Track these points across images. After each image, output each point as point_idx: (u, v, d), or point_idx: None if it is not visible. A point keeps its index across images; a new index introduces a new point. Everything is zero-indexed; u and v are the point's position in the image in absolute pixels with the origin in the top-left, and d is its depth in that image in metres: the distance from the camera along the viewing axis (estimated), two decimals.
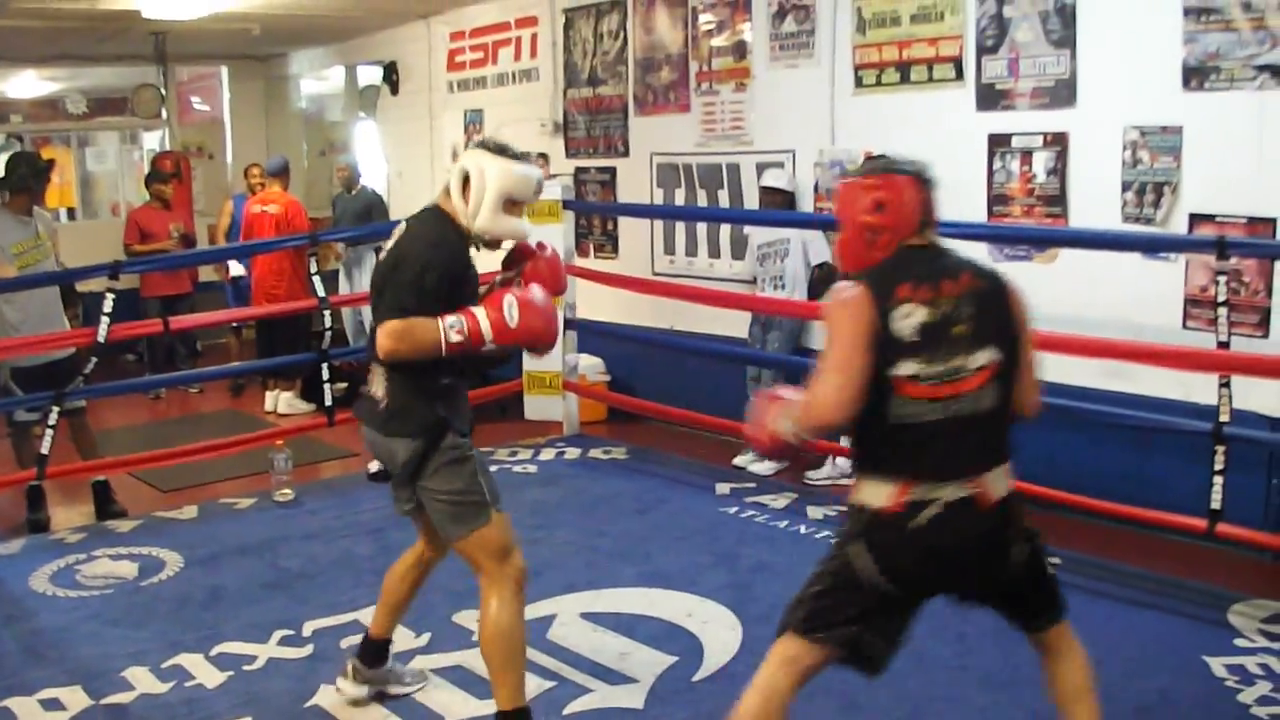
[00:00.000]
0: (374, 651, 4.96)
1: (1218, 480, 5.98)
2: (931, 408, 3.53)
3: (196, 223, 14.02)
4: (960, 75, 7.72)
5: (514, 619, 4.39)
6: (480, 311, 4.29)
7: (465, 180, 4.42)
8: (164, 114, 15.05)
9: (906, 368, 3.52)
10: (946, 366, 3.54)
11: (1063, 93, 7.22)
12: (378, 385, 4.48)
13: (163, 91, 14.76)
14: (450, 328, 4.23)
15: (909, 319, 3.55)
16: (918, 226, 3.76)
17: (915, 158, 3.96)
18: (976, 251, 7.51)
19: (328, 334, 8.53)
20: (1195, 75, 6.64)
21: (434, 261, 4.32)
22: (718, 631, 5.61)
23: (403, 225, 4.54)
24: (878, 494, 3.59)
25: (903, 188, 3.80)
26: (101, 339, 7.46)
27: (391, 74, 13.33)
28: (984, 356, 3.59)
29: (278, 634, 5.73)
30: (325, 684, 5.15)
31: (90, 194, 17.33)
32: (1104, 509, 6.40)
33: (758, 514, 7.47)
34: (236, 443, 8.36)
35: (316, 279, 8.53)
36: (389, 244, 4.50)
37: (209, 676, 5.31)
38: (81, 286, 9.19)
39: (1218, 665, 5.21)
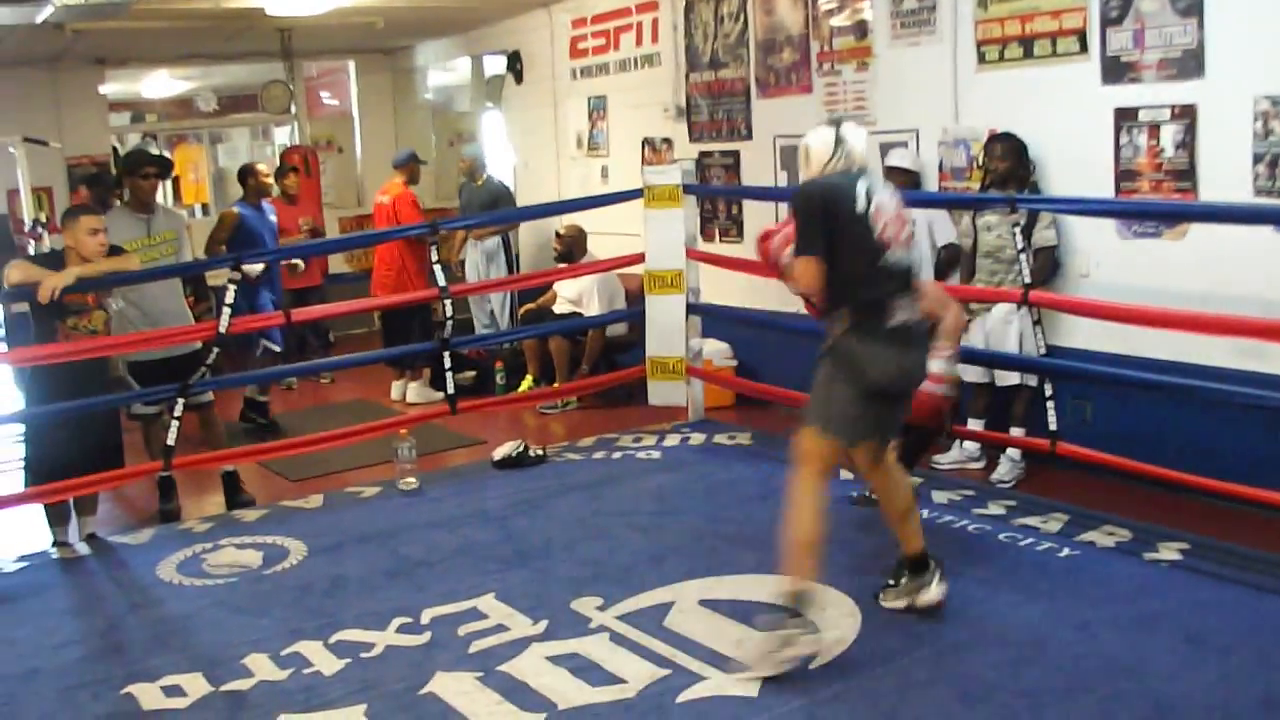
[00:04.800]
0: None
1: None
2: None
3: (326, 215, 14.19)
4: (1084, 48, 7.53)
5: None
6: None
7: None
8: (292, 109, 15.20)
9: None
10: None
11: (1190, 63, 7.02)
12: (911, 309, 5.31)
13: (290, 87, 14.89)
14: None
15: None
16: None
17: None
18: (1105, 227, 7.41)
19: (449, 323, 8.49)
20: None
21: None
22: (835, 618, 5.52)
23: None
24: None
25: None
26: (223, 330, 7.51)
27: (515, 63, 13.33)
28: None
29: (396, 621, 5.74)
30: (440, 671, 5.17)
31: (223, 190, 17.56)
32: (1232, 491, 6.18)
33: None
34: (359, 431, 8.38)
35: (437, 268, 8.50)
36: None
37: (326, 664, 5.34)
38: (214, 280, 9.30)
39: None
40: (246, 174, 10.70)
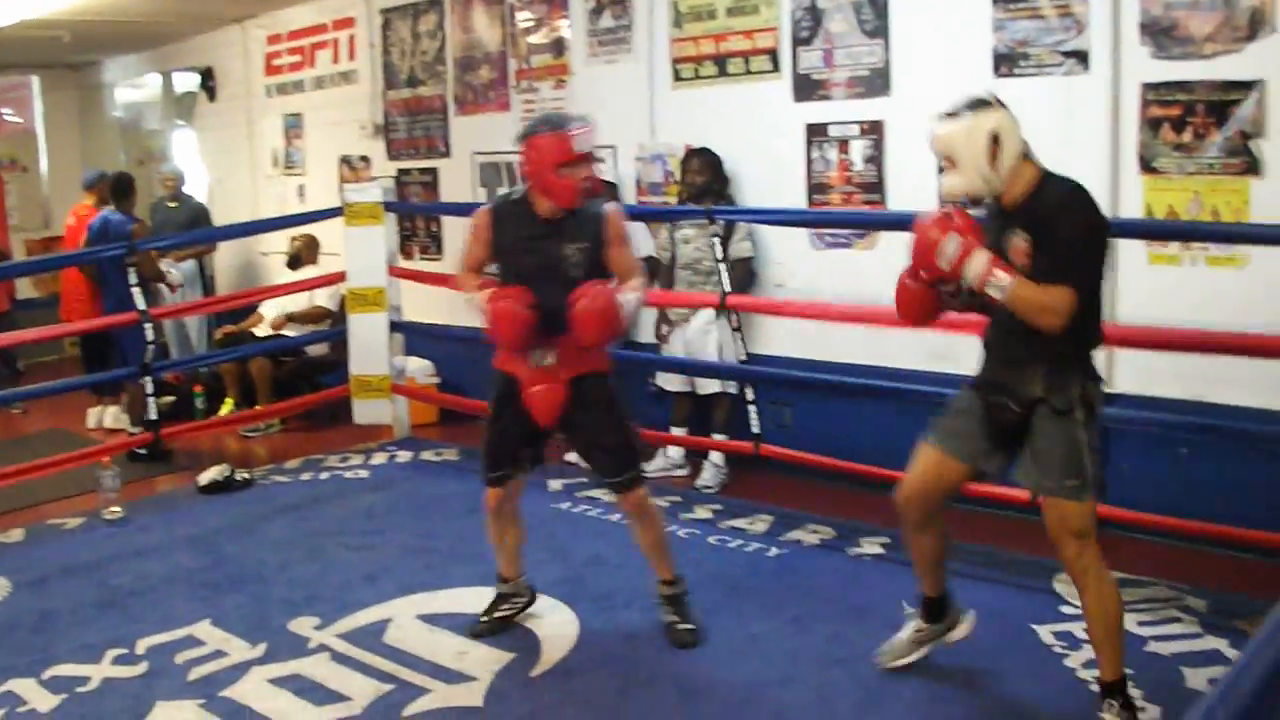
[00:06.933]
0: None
1: None
2: None
3: (12, 238, 13.75)
4: (777, 67, 7.82)
5: None
6: None
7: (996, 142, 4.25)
8: None
9: None
10: None
11: (877, 82, 7.35)
12: None
13: None
14: None
15: None
16: None
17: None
18: (799, 238, 7.67)
19: (150, 347, 8.35)
20: (1005, 61, 6.80)
21: None
22: (554, 626, 5.64)
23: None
24: None
25: None
26: None
27: (208, 80, 13.15)
28: None
29: (111, 653, 5.60)
30: (160, 701, 5.07)
31: None
32: None
33: (590, 508, 7.48)
34: (60, 461, 8.14)
35: (136, 290, 8.34)
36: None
37: (42, 700, 5.17)
38: None
39: (1045, 633, 5.36)
40: (131, 183, 10.37)
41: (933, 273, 4.39)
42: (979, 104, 4.33)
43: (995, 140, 4.23)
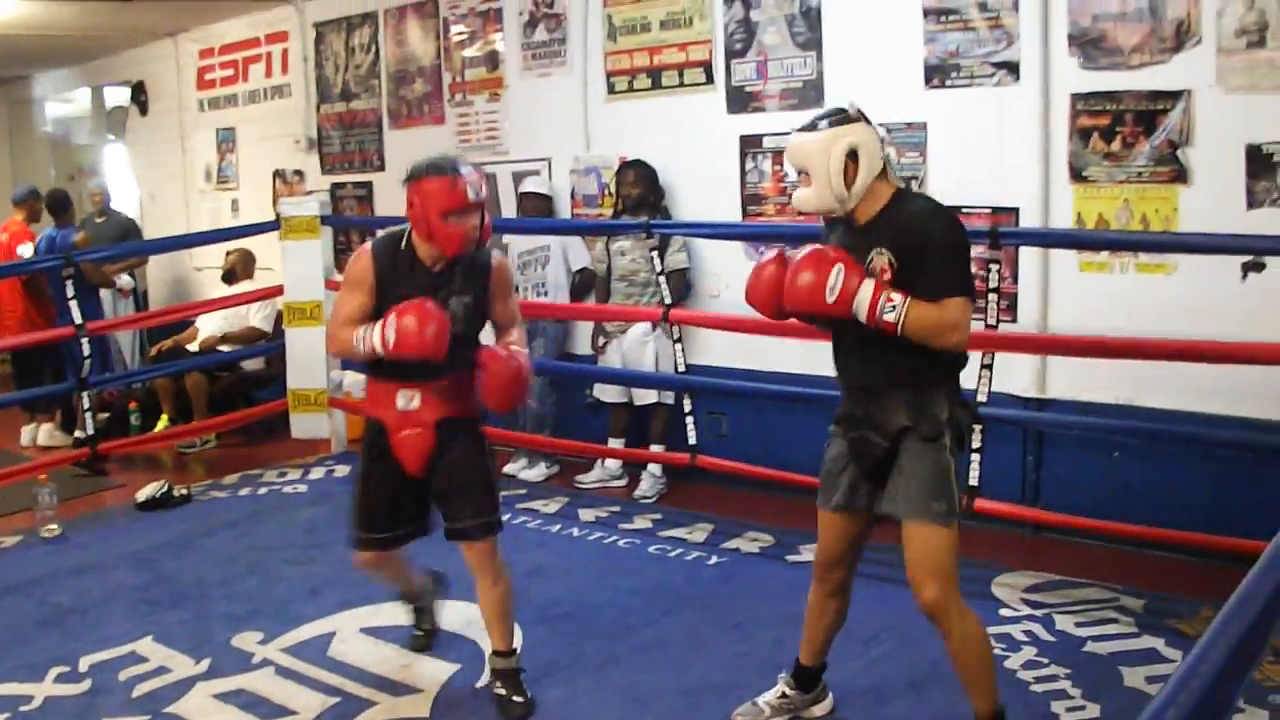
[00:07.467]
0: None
1: (975, 458, 6.21)
2: None
3: None
4: (710, 79, 7.88)
5: None
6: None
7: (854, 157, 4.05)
8: None
9: None
10: None
11: (811, 93, 7.43)
12: None
13: None
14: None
15: None
16: None
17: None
18: (734, 249, 7.72)
19: (86, 362, 8.29)
20: (937, 73, 6.91)
21: None
22: None
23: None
24: None
25: None
26: None
27: (140, 94, 13.08)
28: None
29: (53, 672, 5.55)
30: (106, 718, 5.04)
31: None
32: None
33: (530, 519, 7.55)
34: None
35: (73, 303, 8.27)
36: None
37: None
38: None
39: None
40: (67, 198, 10.55)
41: (818, 311, 4.09)
42: (840, 117, 4.16)
43: (853, 156, 4.05)
